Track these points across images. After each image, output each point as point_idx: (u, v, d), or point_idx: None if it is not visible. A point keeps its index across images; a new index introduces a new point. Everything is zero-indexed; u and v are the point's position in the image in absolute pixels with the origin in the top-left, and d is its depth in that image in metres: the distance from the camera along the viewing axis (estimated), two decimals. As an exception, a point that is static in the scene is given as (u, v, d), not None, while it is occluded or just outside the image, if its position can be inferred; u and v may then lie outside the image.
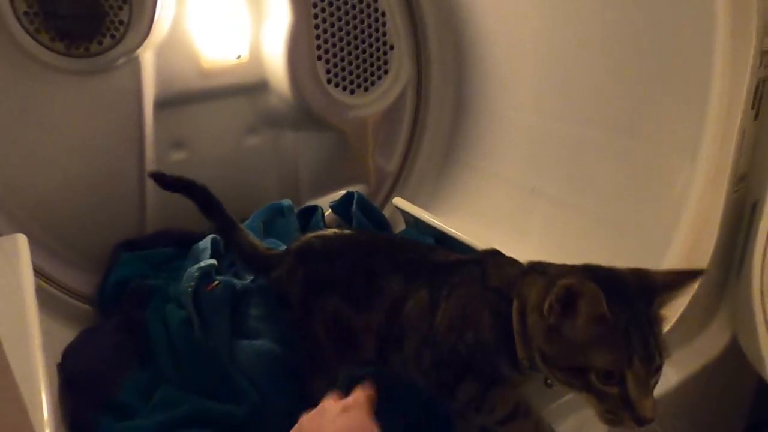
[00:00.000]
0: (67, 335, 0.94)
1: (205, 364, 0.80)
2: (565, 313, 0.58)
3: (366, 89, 1.26)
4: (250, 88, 1.18)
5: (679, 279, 0.62)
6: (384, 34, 1.24)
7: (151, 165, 1.11)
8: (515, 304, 0.64)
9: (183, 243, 1.10)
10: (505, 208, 1.19)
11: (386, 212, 1.30)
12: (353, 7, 1.19)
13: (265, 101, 1.20)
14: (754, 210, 0.76)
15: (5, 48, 0.92)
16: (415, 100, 1.31)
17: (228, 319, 0.84)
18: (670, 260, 0.83)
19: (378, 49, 1.24)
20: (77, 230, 1.06)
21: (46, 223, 1.02)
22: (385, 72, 1.27)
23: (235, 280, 0.90)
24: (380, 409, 0.82)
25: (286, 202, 1.19)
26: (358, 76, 1.24)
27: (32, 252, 0.79)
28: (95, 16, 0.97)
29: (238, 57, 1.14)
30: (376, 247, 0.85)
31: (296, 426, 0.57)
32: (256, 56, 1.16)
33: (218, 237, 1.05)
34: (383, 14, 1.23)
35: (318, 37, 1.17)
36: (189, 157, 1.16)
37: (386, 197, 1.34)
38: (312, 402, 0.80)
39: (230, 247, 0.95)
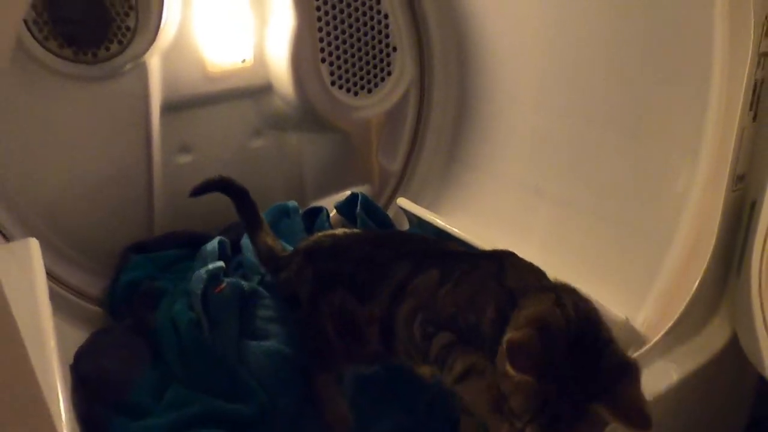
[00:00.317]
0: (77, 337, 0.96)
1: (214, 364, 0.81)
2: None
3: (369, 90, 1.27)
4: (254, 91, 1.20)
5: (625, 412, 0.57)
6: (387, 36, 1.25)
7: (158, 168, 1.13)
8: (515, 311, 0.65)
9: (190, 244, 1.12)
10: (508, 208, 1.20)
11: (390, 212, 1.32)
12: (356, 9, 1.20)
13: (269, 104, 1.22)
14: (753, 209, 0.77)
15: (15, 56, 0.94)
16: (418, 101, 1.32)
17: (236, 321, 0.86)
18: (671, 257, 0.85)
19: (381, 51, 1.26)
20: (87, 233, 1.07)
21: (56, 226, 1.04)
22: (388, 73, 1.28)
23: (243, 282, 0.91)
24: (384, 408, 0.84)
25: (292, 203, 1.21)
26: (361, 78, 1.25)
27: (43, 255, 0.81)
28: (102, 22, 0.98)
29: (243, 61, 1.15)
30: (384, 240, 0.87)
31: None
32: (260, 59, 1.17)
33: (225, 239, 1.07)
34: (386, 16, 1.24)
35: (321, 39, 1.18)
36: (195, 159, 1.17)
37: (390, 197, 1.35)
38: (317, 400, 0.83)
39: (252, 244, 0.98)
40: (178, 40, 1.08)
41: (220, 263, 0.91)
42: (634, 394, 0.57)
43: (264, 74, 1.19)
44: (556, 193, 1.09)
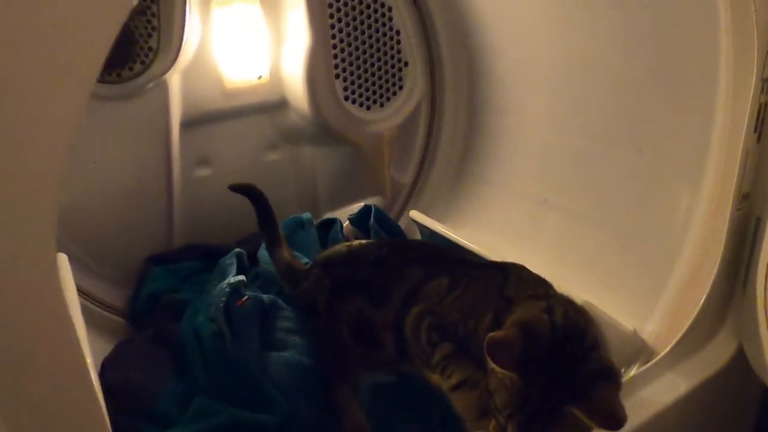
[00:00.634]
0: (101, 347, 0.98)
1: (237, 375, 0.84)
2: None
3: (382, 105, 1.30)
4: (270, 107, 1.23)
5: (599, 413, 0.60)
6: (399, 52, 1.29)
7: (177, 182, 1.16)
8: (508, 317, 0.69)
9: (207, 256, 1.16)
10: (517, 220, 1.22)
11: (401, 224, 1.34)
12: (369, 26, 1.23)
13: (284, 118, 1.25)
14: (758, 226, 0.79)
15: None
16: (429, 115, 1.35)
17: (257, 332, 0.89)
18: (678, 271, 0.87)
19: (393, 66, 1.29)
20: (109, 246, 1.11)
21: (80, 239, 1.07)
22: (400, 88, 1.31)
23: (263, 295, 0.94)
24: (399, 418, 0.87)
25: (306, 215, 1.24)
26: (374, 93, 1.28)
27: (69, 268, 0.84)
28: (126, 44, 1.02)
29: (260, 77, 1.19)
30: (397, 246, 0.90)
31: None
32: (276, 76, 1.21)
33: (242, 251, 1.10)
34: (398, 32, 1.27)
35: (335, 56, 1.21)
36: (213, 173, 1.21)
37: (401, 209, 1.38)
38: (336, 410, 0.85)
39: (272, 259, 1.02)
40: (198, 58, 1.11)
41: (242, 277, 0.94)
42: (609, 397, 0.60)
43: (279, 90, 1.22)
44: (564, 206, 1.12)
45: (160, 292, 1.04)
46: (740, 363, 0.80)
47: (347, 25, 1.21)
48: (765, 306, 0.77)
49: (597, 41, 1.00)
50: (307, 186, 1.32)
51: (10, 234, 0.37)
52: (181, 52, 1.06)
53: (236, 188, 1.01)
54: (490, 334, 0.62)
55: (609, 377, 0.63)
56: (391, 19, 1.25)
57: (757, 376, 0.77)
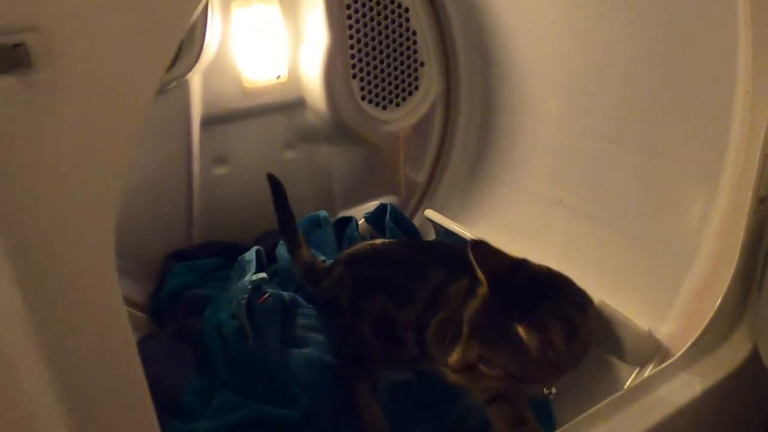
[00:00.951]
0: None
1: (259, 371, 0.86)
2: None
3: (398, 104, 1.31)
4: (288, 106, 1.24)
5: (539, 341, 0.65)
6: (415, 52, 1.30)
7: (197, 180, 1.18)
8: None
9: (226, 254, 1.18)
10: (531, 220, 1.23)
11: (416, 222, 1.36)
12: (386, 27, 1.24)
13: (302, 118, 1.27)
14: (775, 228, 0.80)
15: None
16: (444, 115, 1.37)
17: (278, 329, 0.91)
18: (694, 273, 0.88)
19: (409, 66, 1.30)
20: (131, 242, 1.12)
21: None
22: (416, 88, 1.32)
23: (284, 293, 0.96)
24: (417, 417, 0.88)
25: (323, 213, 1.25)
26: (390, 93, 1.30)
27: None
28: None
29: (278, 77, 1.20)
30: (420, 247, 0.92)
31: None
32: (294, 76, 1.22)
33: (261, 248, 1.12)
34: (414, 33, 1.28)
35: (353, 56, 1.23)
36: (231, 171, 1.23)
37: (416, 207, 1.40)
38: (355, 408, 0.87)
39: (293, 260, 1.05)
40: (218, 58, 1.12)
41: (263, 274, 0.96)
42: (557, 335, 0.65)
43: (297, 90, 1.24)
44: (577, 207, 1.13)
45: (181, 289, 1.06)
46: (755, 364, 0.81)
47: (365, 25, 1.22)
48: (780, 308, 0.78)
49: (612, 42, 1.01)
50: (323, 184, 1.34)
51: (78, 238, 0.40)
52: (202, 53, 1.08)
53: (272, 179, 1.03)
54: (479, 239, 0.70)
55: (564, 321, 0.66)
56: (408, 20, 1.26)
57: (772, 377, 0.78)
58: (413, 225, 1.30)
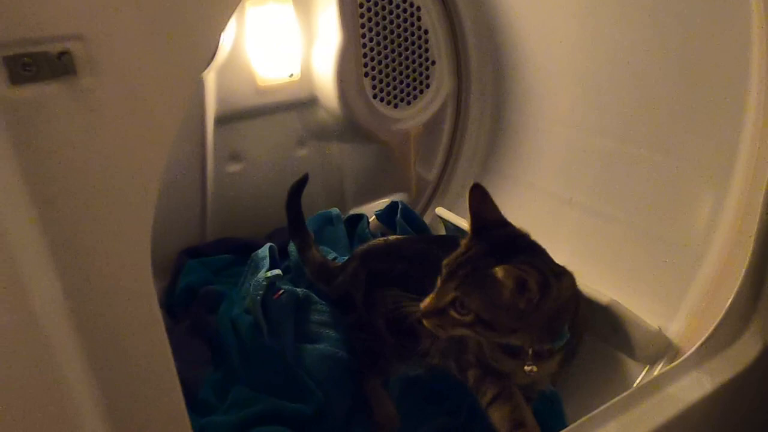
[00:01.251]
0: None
1: (274, 366, 0.88)
2: None
3: (409, 103, 1.32)
4: (300, 104, 1.26)
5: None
6: (426, 51, 1.31)
7: (210, 177, 1.19)
8: None
9: (239, 250, 1.19)
10: (540, 217, 1.24)
11: (426, 219, 1.37)
12: (398, 26, 1.25)
13: (314, 116, 1.28)
14: (787, 228, 0.80)
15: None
16: (455, 113, 1.37)
17: (292, 325, 0.92)
18: (704, 272, 0.88)
19: (420, 65, 1.31)
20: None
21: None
22: (427, 86, 1.33)
23: (297, 289, 0.97)
24: (428, 411, 0.89)
25: (335, 211, 1.27)
26: (401, 91, 1.31)
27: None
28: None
29: (291, 75, 1.21)
30: (436, 242, 0.93)
31: None
32: (307, 74, 1.23)
33: (274, 245, 1.13)
34: (426, 32, 1.29)
35: (365, 55, 1.24)
36: (244, 168, 1.24)
37: (426, 205, 1.41)
38: (367, 402, 0.88)
39: (303, 262, 1.06)
40: (232, 57, 1.13)
41: (278, 271, 0.98)
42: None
43: (310, 88, 1.25)
44: (588, 205, 1.13)
45: (195, 285, 1.08)
46: (766, 362, 0.82)
47: (377, 24, 1.23)
48: (791, 307, 0.79)
49: (624, 41, 1.01)
50: (334, 182, 1.35)
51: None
52: (217, 51, 1.09)
53: (302, 181, 1.06)
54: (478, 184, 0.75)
55: (538, 272, 0.67)
56: (419, 19, 1.27)
57: (782, 375, 0.79)
58: (424, 222, 1.31)
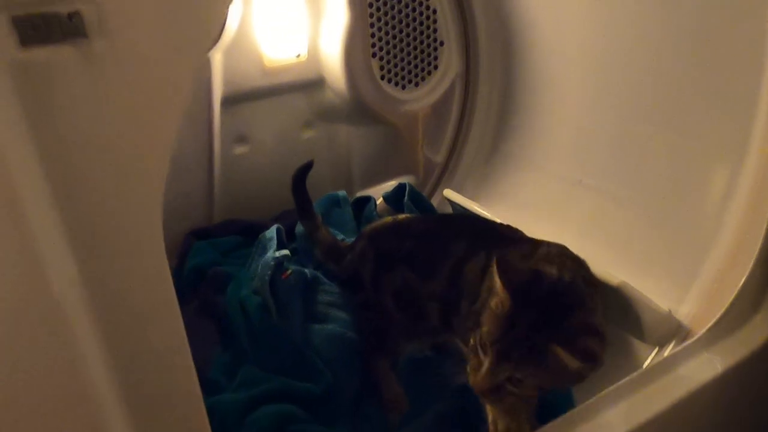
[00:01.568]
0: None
1: (282, 346, 0.88)
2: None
3: (416, 84, 1.31)
4: (307, 85, 1.24)
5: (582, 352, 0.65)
6: (434, 31, 1.29)
7: (217, 159, 1.19)
8: None
9: (247, 232, 1.19)
10: (550, 199, 1.23)
11: (434, 201, 1.36)
12: (406, 5, 1.23)
13: (321, 97, 1.27)
14: (801, 210, 0.79)
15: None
16: (463, 94, 1.36)
17: (300, 305, 0.92)
18: (716, 254, 0.87)
19: (429, 46, 1.29)
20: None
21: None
22: (435, 67, 1.32)
23: (305, 270, 0.97)
24: (435, 392, 0.89)
25: (342, 193, 1.26)
26: (409, 72, 1.29)
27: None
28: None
29: (298, 56, 1.20)
30: (444, 220, 0.92)
31: None
32: (314, 55, 1.22)
33: (281, 227, 1.13)
34: (434, 11, 1.27)
35: (373, 35, 1.22)
36: (250, 150, 1.23)
37: (434, 187, 1.40)
38: (374, 383, 0.88)
39: (313, 243, 1.06)
40: (238, 37, 1.12)
41: (286, 251, 0.97)
42: (592, 345, 0.66)
43: (317, 69, 1.24)
44: (598, 186, 1.12)
45: (203, 266, 1.08)
46: (776, 345, 0.81)
47: (385, 4, 1.21)
48: (803, 289, 0.78)
49: (638, 22, 0.99)
50: (341, 164, 1.34)
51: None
52: (223, 31, 1.08)
53: (307, 166, 1.06)
54: (500, 256, 0.68)
55: (595, 333, 0.67)
56: (428, -1, 1.25)
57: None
58: (431, 205, 1.31)
